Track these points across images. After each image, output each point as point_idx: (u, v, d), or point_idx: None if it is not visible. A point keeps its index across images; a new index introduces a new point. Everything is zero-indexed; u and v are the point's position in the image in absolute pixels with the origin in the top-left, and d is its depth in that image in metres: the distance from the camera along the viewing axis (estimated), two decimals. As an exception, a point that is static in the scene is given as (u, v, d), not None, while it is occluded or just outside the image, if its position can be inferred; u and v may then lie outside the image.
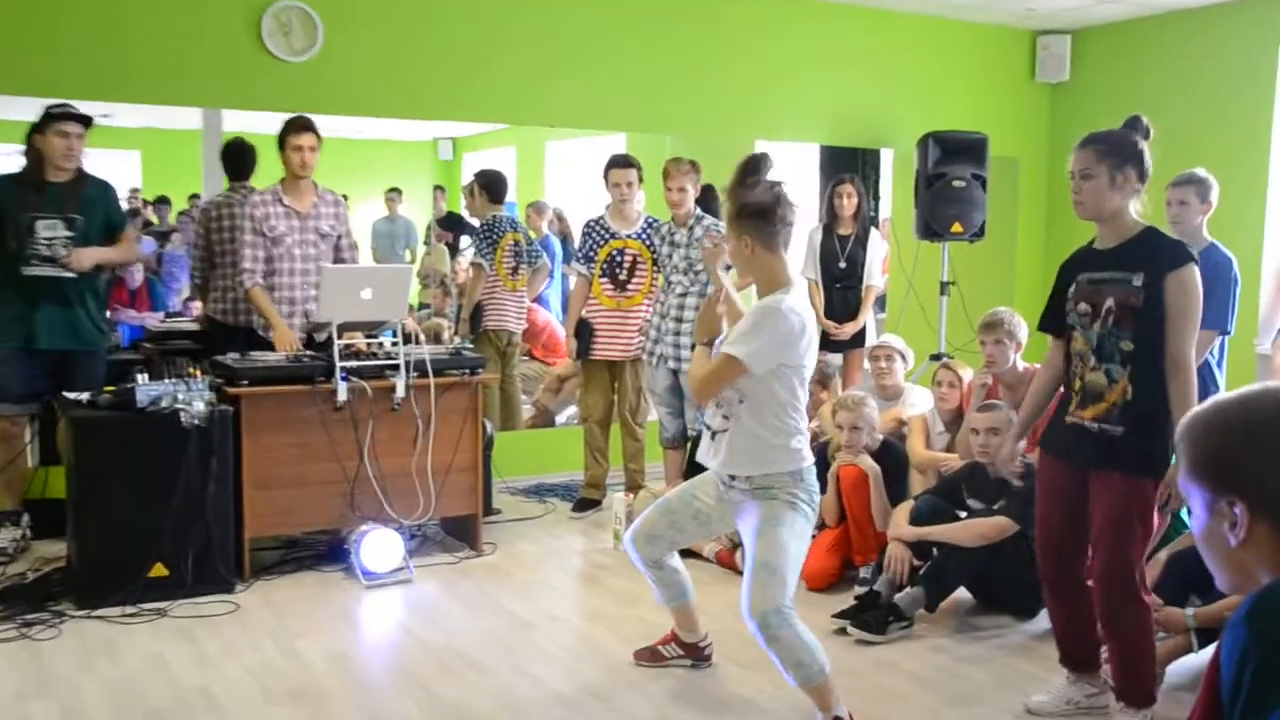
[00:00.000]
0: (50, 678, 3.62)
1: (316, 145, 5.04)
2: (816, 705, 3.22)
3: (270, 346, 5.02)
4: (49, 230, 4.69)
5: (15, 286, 4.70)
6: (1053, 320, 3.40)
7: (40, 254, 4.69)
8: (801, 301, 3.26)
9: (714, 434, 3.32)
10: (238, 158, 5.68)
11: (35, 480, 5.01)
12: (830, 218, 6.44)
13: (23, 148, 4.77)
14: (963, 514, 4.27)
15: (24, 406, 4.82)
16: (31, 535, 4.90)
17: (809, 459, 3.31)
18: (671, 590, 3.69)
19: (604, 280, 5.68)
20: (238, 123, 5.79)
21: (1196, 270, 3.13)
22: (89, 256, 4.77)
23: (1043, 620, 4.21)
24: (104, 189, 4.93)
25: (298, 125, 5.02)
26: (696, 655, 3.82)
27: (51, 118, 4.68)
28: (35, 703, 3.42)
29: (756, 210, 3.26)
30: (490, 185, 6.62)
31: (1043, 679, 3.66)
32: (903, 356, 5.43)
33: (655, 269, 5.65)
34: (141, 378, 4.35)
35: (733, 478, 3.31)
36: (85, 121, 4.74)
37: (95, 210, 4.81)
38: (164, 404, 4.29)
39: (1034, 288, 7.22)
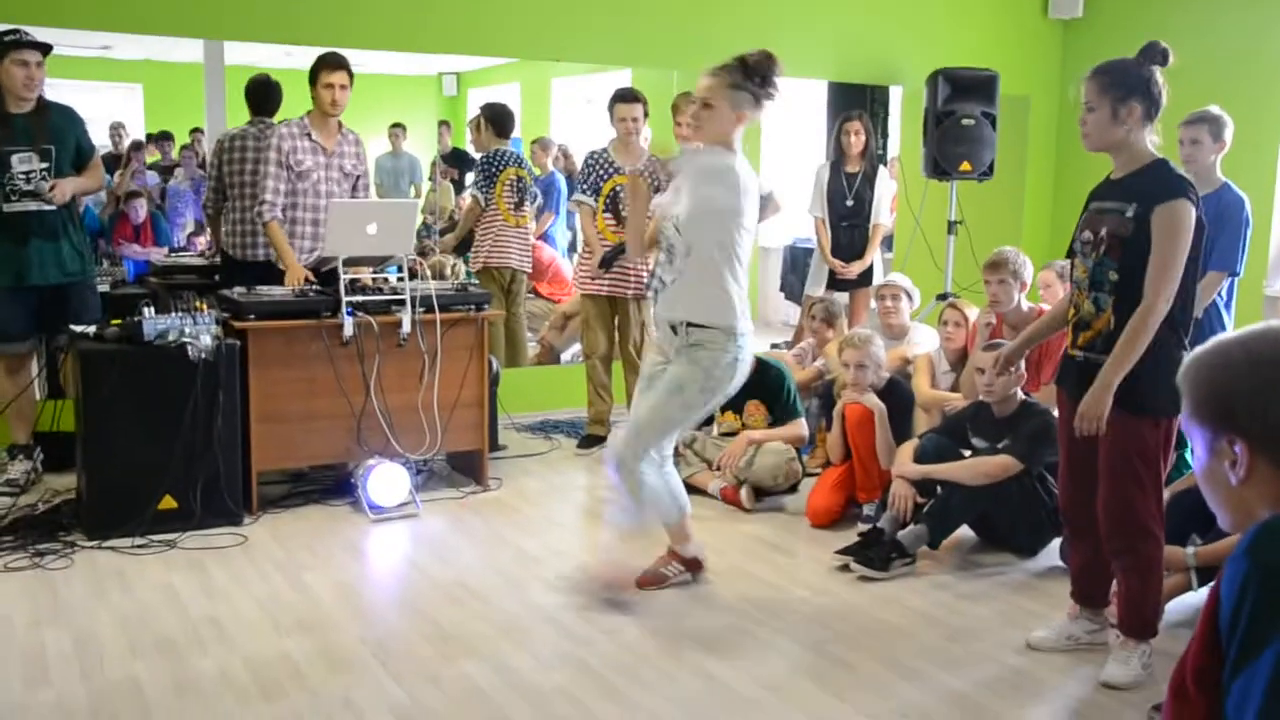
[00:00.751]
0: (63, 606, 3.66)
1: (348, 84, 5.02)
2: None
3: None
4: (24, 164, 4.61)
5: None
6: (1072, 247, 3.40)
7: (20, 189, 4.62)
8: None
9: (666, 285, 3.68)
10: (263, 93, 5.63)
11: (44, 413, 5.03)
12: (838, 155, 6.40)
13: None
14: (967, 453, 4.29)
15: (24, 344, 4.81)
16: (42, 468, 4.93)
17: (746, 322, 3.68)
18: (663, 502, 3.81)
19: (607, 215, 5.66)
20: (239, 56, 5.72)
21: (1188, 208, 3.05)
22: (70, 186, 4.69)
23: (1044, 558, 4.26)
24: (69, 116, 4.83)
25: (332, 63, 4.98)
26: (696, 568, 3.94)
27: (5, 46, 4.55)
28: (49, 630, 3.47)
29: (764, 76, 3.61)
30: (496, 119, 6.56)
31: (1044, 615, 3.71)
32: (909, 296, 5.42)
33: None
34: (148, 311, 4.35)
35: (673, 328, 3.67)
36: (44, 49, 4.62)
37: (66, 139, 4.74)
38: (171, 338, 4.30)
39: (1041, 227, 7.20)
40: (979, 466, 4.14)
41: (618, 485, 3.76)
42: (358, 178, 5.28)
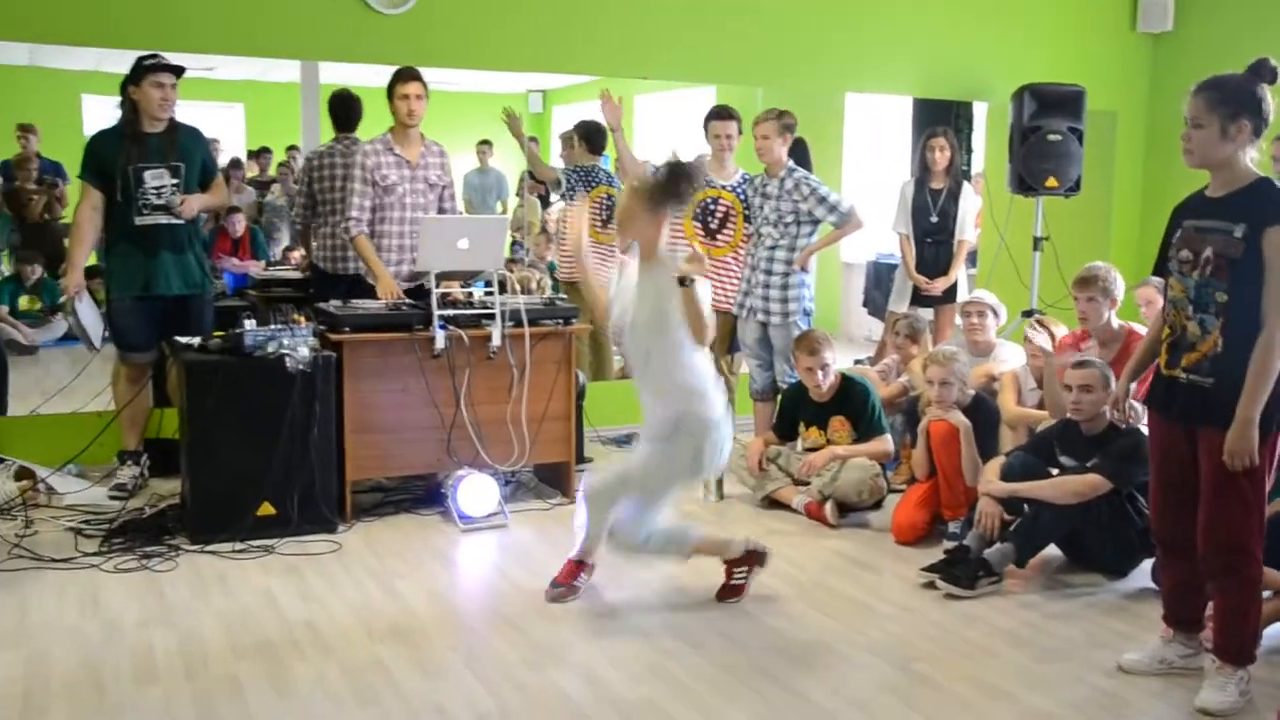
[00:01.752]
0: (169, 607, 3.80)
1: (423, 94, 5.15)
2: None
3: (373, 291, 5.16)
4: (156, 179, 4.86)
5: (130, 236, 4.89)
6: (1163, 266, 3.35)
7: (151, 203, 4.87)
8: None
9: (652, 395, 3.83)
10: (344, 109, 5.79)
11: (150, 421, 5.23)
12: (922, 172, 6.39)
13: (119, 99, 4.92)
14: (1054, 471, 4.25)
15: (148, 354, 5.02)
16: (148, 474, 5.13)
17: (719, 399, 3.79)
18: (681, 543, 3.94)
19: (696, 225, 5.71)
20: (334, 75, 5.90)
21: None
22: (197, 203, 4.95)
23: (1134, 579, 4.21)
24: (196, 136, 5.06)
25: (405, 75, 5.13)
26: (759, 561, 4.03)
27: (145, 69, 4.80)
28: (156, 630, 3.61)
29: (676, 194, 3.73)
30: (590, 136, 6.66)
31: (1135, 638, 3.66)
32: (995, 312, 5.39)
33: (746, 224, 5.67)
34: (249, 323, 4.50)
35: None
36: (178, 71, 4.86)
37: (193, 157, 4.97)
38: (270, 349, 4.45)
39: (1130, 243, 7.10)
40: (1067, 485, 4.11)
41: (583, 513, 3.96)
42: (444, 188, 5.38)
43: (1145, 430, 3.53)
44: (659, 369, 3.74)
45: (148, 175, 4.85)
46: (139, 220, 4.86)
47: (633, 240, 3.82)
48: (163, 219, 4.89)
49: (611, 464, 4.05)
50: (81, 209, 4.94)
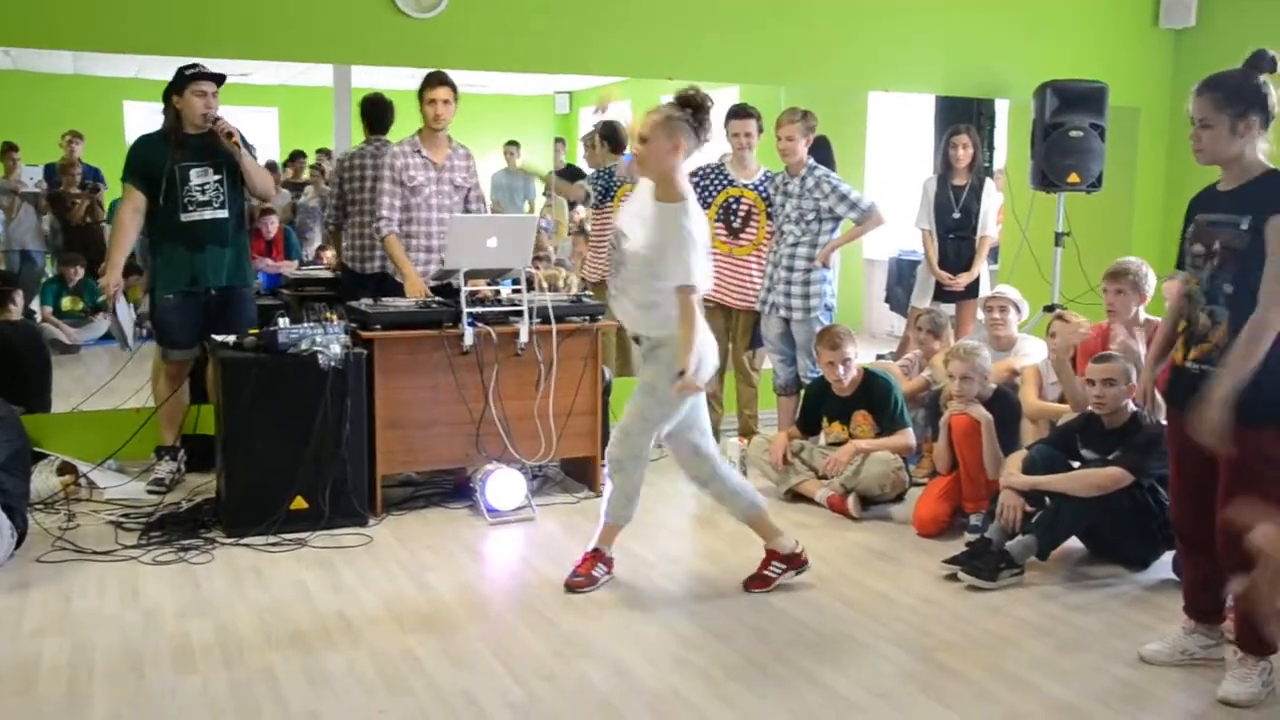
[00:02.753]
0: (205, 599, 3.90)
1: (451, 99, 5.24)
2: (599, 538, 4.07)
3: (403, 291, 5.25)
4: (200, 177, 4.99)
5: (176, 234, 5.02)
6: (1181, 259, 3.39)
7: (196, 200, 5.00)
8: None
9: (615, 294, 3.97)
10: (376, 112, 5.88)
11: (187, 417, 5.33)
12: (945, 168, 6.42)
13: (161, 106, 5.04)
14: (1076, 464, 4.29)
15: (190, 351, 5.14)
16: (185, 468, 5.25)
17: None
18: (733, 501, 4.08)
19: (718, 224, 5.77)
20: (367, 79, 5.99)
21: None
22: (247, 159, 5.03)
23: (1155, 571, 4.24)
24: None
25: (433, 80, 5.22)
26: (797, 563, 4.07)
27: (187, 78, 4.93)
28: (194, 620, 3.70)
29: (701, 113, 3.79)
30: (612, 136, 6.71)
31: (1155, 629, 3.70)
32: (1017, 308, 5.43)
33: (769, 221, 5.73)
34: (283, 321, 4.60)
35: (635, 338, 3.99)
36: (219, 80, 4.99)
37: (234, 155, 5.06)
38: (303, 346, 4.53)
39: (1152, 239, 7.10)
40: (1089, 478, 4.14)
41: (612, 485, 4.07)
42: (469, 190, 5.47)
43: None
44: (644, 294, 3.83)
45: (193, 174, 4.98)
46: (184, 217, 4.99)
47: (648, 175, 3.83)
48: (208, 214, 5.02)
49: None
50: (123, 210, 5.08)
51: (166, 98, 5.02)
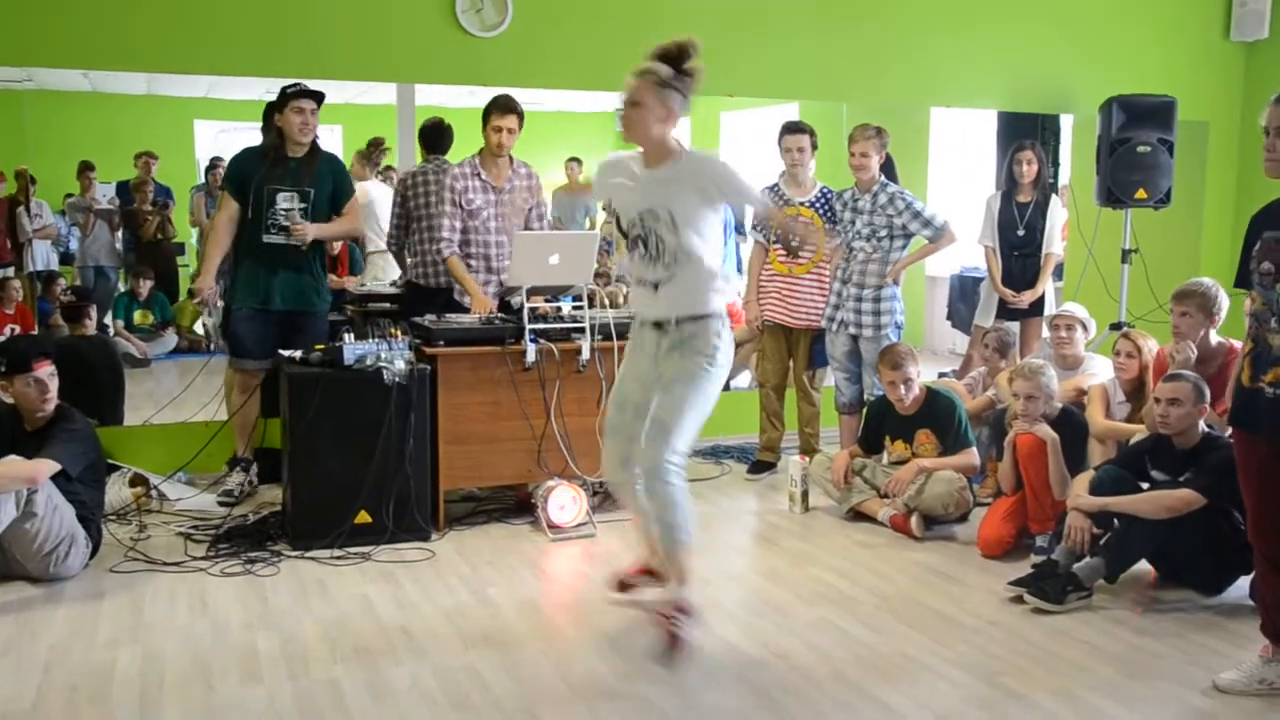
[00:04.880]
0: (272, 611, 3.96)
1: (516, 128, 5.29)
2: (671, 575, 3.66)
3: (464, 309, 5.30)
4: (286, 202, 5.11)
5: (255, 253, 5.15)
6: (1245, 277, 3.33)
7: (279, 223, 5.13)
8: None
9: (656, 286, 3.62)
10: (435, 134, 5.97)
11: (257, 430, 5.43)
12: (1009, 184, 6.36)
13: (254, 124, 5.16)
14: (1145, 485, 4.21)
15: (259, 363, 5.23)
16: (256, 481, 5.35)
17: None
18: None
19: (777, 245, 5.77)
20: (429, 97, 6.08)
21: None
22: (313, 230, 5.16)
23: (1229, 596, 4.15)
24: (332, 162, 5.31)
25: (503, 106, 5.26)
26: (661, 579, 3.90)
27: (288, 96, 5.07)
28: (260, 632, 3.76)
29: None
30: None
31: (1231, 657, 3.61)
32: (1084, 326, 5.35)
33: (827, 238, 5.71)
34: (348, 337, 4.66)
35: (662, 324, 3.65)
36: (318, 98, 5.11)
37: (324, 182, 5.20)
38: (369, 362, 4.59)
39: (1221, 256, 6.97)
40: (1160, 500, 4.06)
41: (652, 500, 3.64)
42: (531, 209, 5.51)
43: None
44: (687, 271, 3.60)
45: (279, 197, 5.11)
46: (265, 238, 5.12)
47: (638, 141, 3.62)
48: (285, 239, 5.14)
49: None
50: (219, 217, 5.24)
51: (268, 116, 5.18)
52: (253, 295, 5.18)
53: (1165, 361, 4.68)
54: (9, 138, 7.42)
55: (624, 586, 4.04)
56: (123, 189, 8.30)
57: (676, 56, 3.56)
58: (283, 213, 5.11)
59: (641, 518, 3.80)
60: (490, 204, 5.37)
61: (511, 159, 5.42)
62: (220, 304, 5.31)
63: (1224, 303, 4.61)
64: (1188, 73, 7.00)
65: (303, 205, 5.14)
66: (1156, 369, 4.76)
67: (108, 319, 8.11)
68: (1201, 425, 4.14)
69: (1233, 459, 3.85)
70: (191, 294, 5.60)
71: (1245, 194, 7.16)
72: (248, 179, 5.10)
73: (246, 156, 5.22)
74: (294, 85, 5.09)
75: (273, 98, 5.21)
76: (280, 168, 5.11)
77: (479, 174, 5.34)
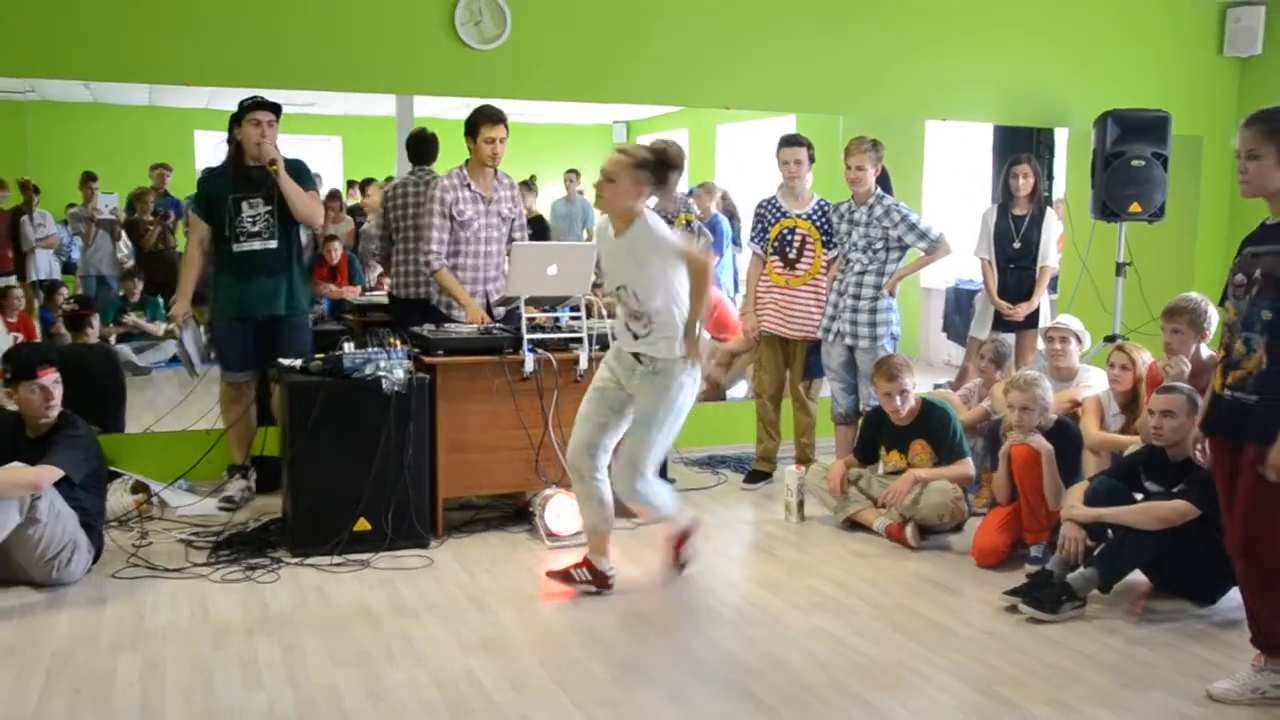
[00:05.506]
0: (272, 617, 3.98)
1: (506, 137, 5.32)
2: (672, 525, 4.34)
3: (446, 319, 5.32)
4: (251, 208, 5.12)
5: (230, 263, 5.17)
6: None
7: (248, 230, 5.14)
8: None
9: (636, 336, 4.11)
10: (421, 145, 5.97)
11: (254, 439, 5.45)
12: (1005, 197, 6.41)
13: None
14: (1139, 496, 4.25)
15: (245, 373, 5.26)
16: (255, 488, 5.37)
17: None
18: (594, 509, 4.26)
19: (774, 258, 5.81)
20: (427, 109, 6.12)
21: None
22: (279, 157, 5.07)
23: (1222, 606, 4.18)
24: (294, 165, 5.26)
25: (492, 117, 5.28)
26: (603, 583, 4.27)
27: (244, 109, 5.08)
28: (261, 638, 3.78)
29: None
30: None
31: (1224, 666, 3.65)
32: (1078, 338, 5.39)
33: (825, 250, 5.75)
34: (348, 346, 4.69)
35: (639, 358, 4.12)
36: (274, 109, 5.11)
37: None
38: (368, 371, 4.62)
39: (1215, 269, 7.02)
40: (1154, 511, 4.09)
41: (646, 511, 4.32)
42: (514, 220, 5.55)
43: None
44: (660, 325, 4.06)
45: (244, 205, 5.12)
46: (236, 247, 5.13)
47: (608, 211, 4.04)
48: (257, 245, 5.16)
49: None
50: (189, 241, 5.31)
51: (230, 130, 5.18)
52: (230, 306, 5.20)
53: (1159, 374, 4.72)
54: (12, 148, 7.48)
55: (565, 578, 4.32)
56: (129, 200, 8.41)
57: (664, 157, 3.97)
58: (249, 219, 5.12)
59: (584, 504, 4.31)
60: (480, 214, 5.39)
61: (495, 170, 5.45)
62: (193, 326, 5.32)
63: (1213, 316, 4.66)
64: (1182, 88, 7.07)
65: (268, 209, 5.15)
66: (1150, 381, 4.80)
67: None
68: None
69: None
70: (168, 319, 5.64)
71: (1238, 208, 7.22)
72: (214, 197, 5.14)
73: (209, 177, 5.28)
74: (250, 98, 5.11)
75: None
76: (243, 178, 5.13)
77: (469, 185, 5.37)
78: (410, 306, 5.74)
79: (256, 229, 5.13)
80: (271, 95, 5.16)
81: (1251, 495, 3.23)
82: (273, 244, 5.17)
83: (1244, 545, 3.29)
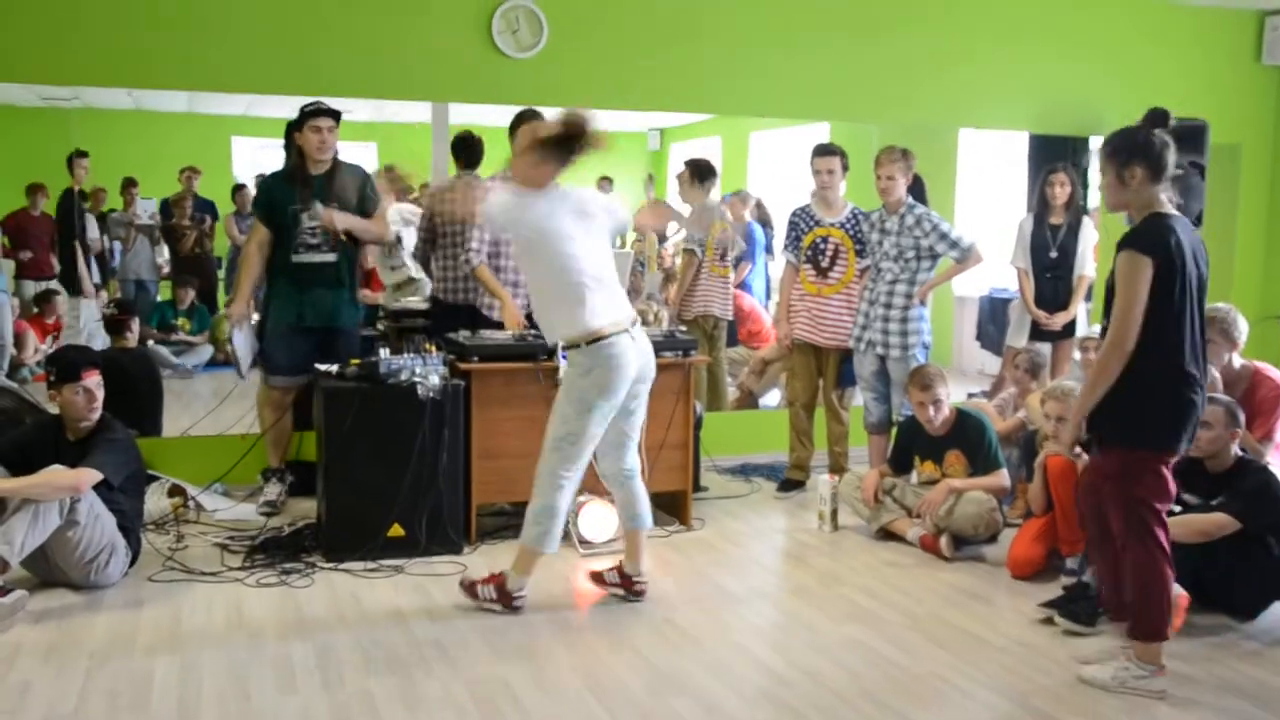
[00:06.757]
0: (307, 622, 4.01)
1: None
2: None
3: (492, 323, 5.34)
4: (311, 220, 5.17)
5: (288, 272, 5.22)
6: None
7: (306, 243, 5.19)
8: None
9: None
10: (468, 149, 6.01)
11: (290, 443, 5.51)
12: (1041, 207, 6.37)
13: (281, 141, 5.24)
14: (1177, 509, 4.20)
15: (291, 379, 5.30)
16: (289, 492, 5.41)
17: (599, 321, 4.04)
18: (629, 511, 4.29)
19: (807, 266, 5.80)
20: (463, 115, 6.15)
21: (1133, 255, 3.40)
22: (341, 218, 5.18)
23: (1265, 621, 4.13)
24: (355, 172, 5.36)
25: (529, 118, 5.28)
26: (629, 588, 4.28)
27: (305, 115, 5.13)
28: (296, 643, 3.81)
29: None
30: (701, 173, 6.78)
31: (1266, 683, 3.61)
32: (1115, 348, 5.33)
33: (858, 258, 5.74)
34: (383, 352, 4.72)
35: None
36: (335, 115, 5.17)
37: (348, 195, 5.25)
38: (403, 377, 4.65)
39: (1253, 278, 6.97)
40: (1193, 523, 4.05)
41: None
42: None
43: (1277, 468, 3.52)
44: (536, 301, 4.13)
45: (304, 217, 5.17)
46: (295, 258, 5.19)
47: (519, 181, 4.05)
48: (316, 257, 5.20)
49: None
50: (249, 244, 5.34)
51: (289, 136, 5.23)
52: (285, 313, 5.24)
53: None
54: (58, 154, 7.59)
55: (598, 579, 4.40)
56: (166, 205, 8.51)
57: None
58: (309, 231, 5.17)
59: (622, 511, 4.37)
60: None
61: None
62: (247, 328, 5.36)
63: (1243, 325, 4.60)
64: (1219, 96, 7.00)
65: None
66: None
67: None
68: (1235, 449, 4.13)
69: (1267, 483, 3.86)
70: (226, 316, 5.68)
71: (1277, 216, 7.14)
72: (275, 203, 5.18)
73: (271, 182, 5.32)
74: (312, 104, 5.16)
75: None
76: (305, 188, 5.17)
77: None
78: (454, 311, 5.76)
79: (316, 241, 5.19)
80: (314, 102, 5.21)
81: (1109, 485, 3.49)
82: (331, 257, 5.23)
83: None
